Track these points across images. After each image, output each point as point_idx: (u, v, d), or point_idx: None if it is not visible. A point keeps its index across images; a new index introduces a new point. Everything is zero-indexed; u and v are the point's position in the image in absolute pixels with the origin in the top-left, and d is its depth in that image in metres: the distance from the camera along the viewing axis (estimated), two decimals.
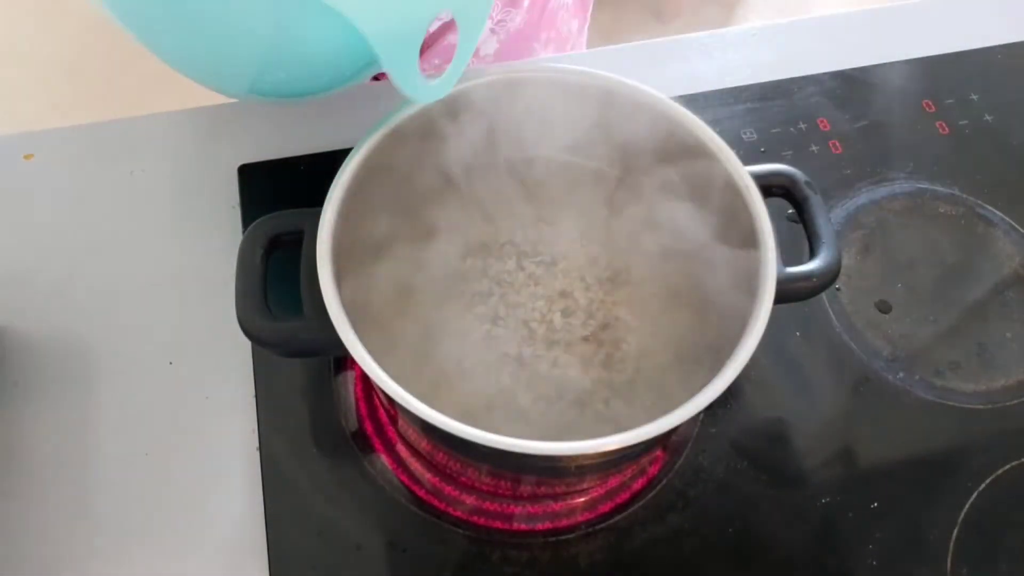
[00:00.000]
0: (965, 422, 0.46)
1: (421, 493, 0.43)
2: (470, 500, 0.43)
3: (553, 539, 0.42)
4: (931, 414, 0.46)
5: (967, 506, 0.43)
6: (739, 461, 0.44)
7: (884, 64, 0.61)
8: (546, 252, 0.43)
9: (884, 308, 0.50)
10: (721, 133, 0.40)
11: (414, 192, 0.44)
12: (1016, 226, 0.53)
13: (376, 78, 0.73)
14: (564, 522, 0.42)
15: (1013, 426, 0.46)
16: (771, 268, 0.37)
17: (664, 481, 0.43)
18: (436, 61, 0.67)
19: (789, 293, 0.38)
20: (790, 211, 0.49)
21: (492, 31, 0.66)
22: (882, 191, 0.55)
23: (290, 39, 0.39)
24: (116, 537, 0.41)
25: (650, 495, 0.43)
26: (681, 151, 0.42)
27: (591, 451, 0.33)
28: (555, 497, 0.43)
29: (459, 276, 0.43)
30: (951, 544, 0.42)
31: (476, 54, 0.66)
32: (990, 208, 0.54)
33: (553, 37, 0.70)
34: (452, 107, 0.42)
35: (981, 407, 0.47)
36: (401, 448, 0.44)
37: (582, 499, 0.43)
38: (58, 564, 0.41)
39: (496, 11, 0.65)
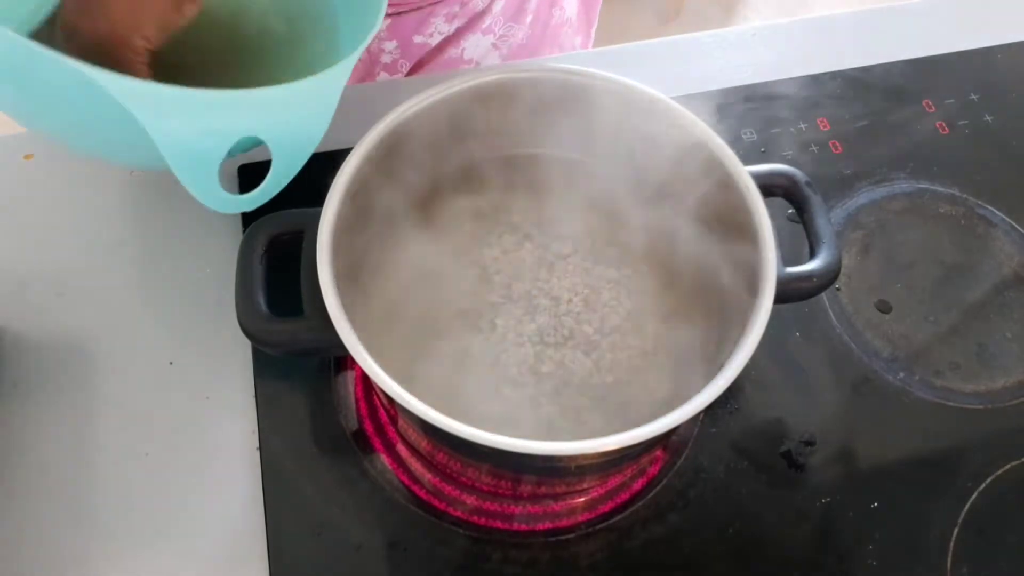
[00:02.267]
0: (965, 422, 0.46)
1: (421, 493, 0.43)
2: (470, 500, 0.43)
3: (553, 539, 0.42)
4: (931, 414, 0.46)
5: (967, 506, 0.43)
6: (739, 461, 0.44)
7: (884, 64, 0.61)
8: (546, 251, 0.43)
9: (884, 308, 0.50)
10: (721, 133, 0.40)
11: (414, 192, 0.44)
12: (1016, 226, 0.53)
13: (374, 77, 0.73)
14: (564, 522, 0.42)
15: (1013, 426, 0.46)
16: (771, 268, 0.37)
17: (664, 481, 0.43)
18: (438, 72, 0.67)
19: (789, 293, 0.38)
20: (790, 211, 0.49)
21: (494, 46, 0.66)
22: (882, 191, 0.55)
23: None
24: (116, 537, 0.41)
25: (650, 495, 0.43)
26: (681, 151, 0.42)
27: (591, 451, 0.33)
28: (555, 497, 0.43)
29: (459, 275, 0.43)
30: (951, 544, 0.42)
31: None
32: (990, 208, 0.54)
33: (556, 53, 0.70)
34: (452, 107, 0.42)
35: (981, 407, 0.47)
36: (401, 448, 0.44)
37: (582, 499, 0.43)
38: (58, 564, 0.41)
39: (499, 26, 0.65)
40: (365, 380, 0.46)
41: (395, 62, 0.66)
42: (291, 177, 0.42)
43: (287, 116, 0.39)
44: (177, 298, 0.48)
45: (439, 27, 0.63)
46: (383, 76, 0.67)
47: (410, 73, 0.67)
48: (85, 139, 0.42)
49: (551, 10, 0.68)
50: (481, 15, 0.64)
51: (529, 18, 0.66)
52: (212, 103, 0.36)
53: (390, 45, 0.64)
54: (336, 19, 0.51)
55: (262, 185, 0.40)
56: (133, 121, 0.34)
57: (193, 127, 0.37)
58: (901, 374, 0.47)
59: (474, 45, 0.65)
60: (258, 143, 0.40)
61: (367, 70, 0.67)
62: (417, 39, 0.64)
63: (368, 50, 0.64)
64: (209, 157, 0.38)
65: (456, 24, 0.64)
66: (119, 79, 0.33)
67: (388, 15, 0.61)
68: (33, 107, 0.39)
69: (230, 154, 0.40)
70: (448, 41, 0.65)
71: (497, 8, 0.64)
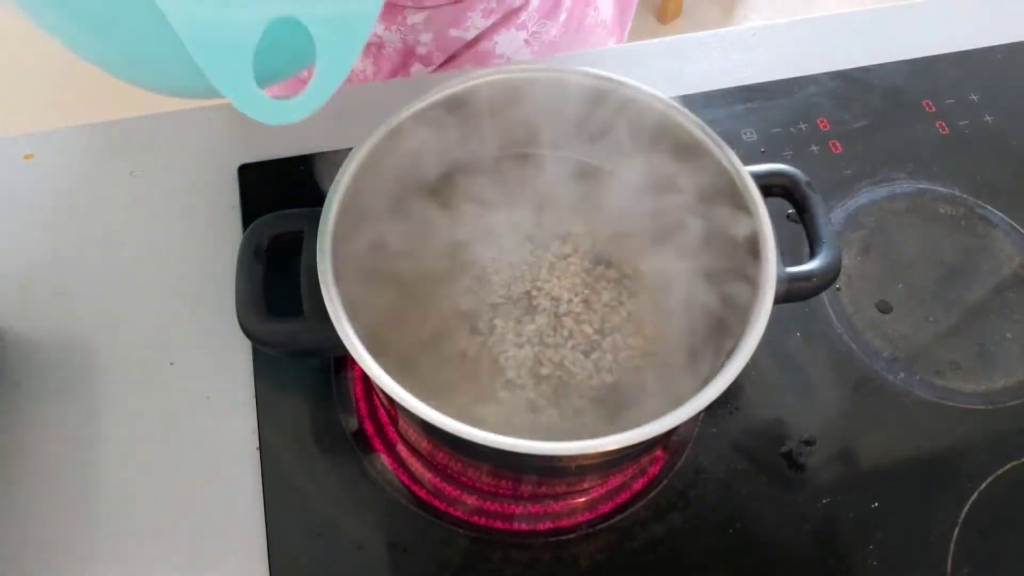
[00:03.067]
0: (965, 422, 0.46)
1: (421, 493, 0.43)
2: (471, 500, 0.43)
3: (554, 539, 0.42)
4: (931, 414, 0.46)
5: (967, 506, 0.43)
6: (739, 461, 0.44)
7: (884, 64, 0.61)
8: (546, 252, 0.43)
9: (884, 308, 0.50)
10: (721, 133, 0.40)
11: (414, 192, 0.44)
12: (1016, 226, 0.53)
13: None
14: (565, 522, 0.42)
15: (1013, 426, 0.46)
16: (771, 268, 0.37)
17: (664, 481, 0.43)
18: (468, 67, 0.67)
19: (789, 293, 0.38)
20: (790, 211, 0.49)
21: (527, 42, 0.66)
22: (882, 191, 0.55)
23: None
24: (117, 537, 0.41)
25: (650, 495, 0.43)
26: (681, 151, 0.42)
27: (591, 451, 0.33)
28: (556, 497, 0.43)
29: (460, 275, 0.43)
30: (951, 544, 0.42)
31: (508, 64, 0.67)
32: (990, 208, 0.54)
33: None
34: (453, 107, 0.42)
35: (981, 407, 0.47)
36: (401, 448, 0.44)
37: (583, 499, 0.43)
38: (58, 564, 0.41)
39: (533, 22, 0.66)
40: (365, 380, 0.46)
41: (429, 54, 0.66)
42: (343, 77, 0.35)
43: None
44: (177, 298, 0.48)
45: (476, 21, 0.64)
46: (417, 67, 0.68)
47: (443, 65, 0.68)
48: (114, 50, 0.37)
49: (585, 10, 0.68)
50: (517, 11, 0.64)
51: (563, 16, 0.66)
52: None
53: (426, 37, 0.65)
54: None
55: (307, 90, 0.34)
56: (161, 25, 0.30)
57: (216, 12, 0.31)
58: (901, 374, 0.47)
59: (507, 41, 0.66)
60: (301, 53, 0.33)
61: (402, 61, 0.67)
62: (453, 32, 0.64)
63: (404, 41, 0.65)
64: (239, 46, 0.32)
65: (492, 19, 0.64)
66: None
67: (426, 8, 0.62)
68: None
69: (268, 77, 0.34)
70: (482, 35, 0.65)
71: (533, 5, 0.65)
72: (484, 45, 0.66)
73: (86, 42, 0.37)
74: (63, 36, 0.36)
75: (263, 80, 0.33)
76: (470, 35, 0.65)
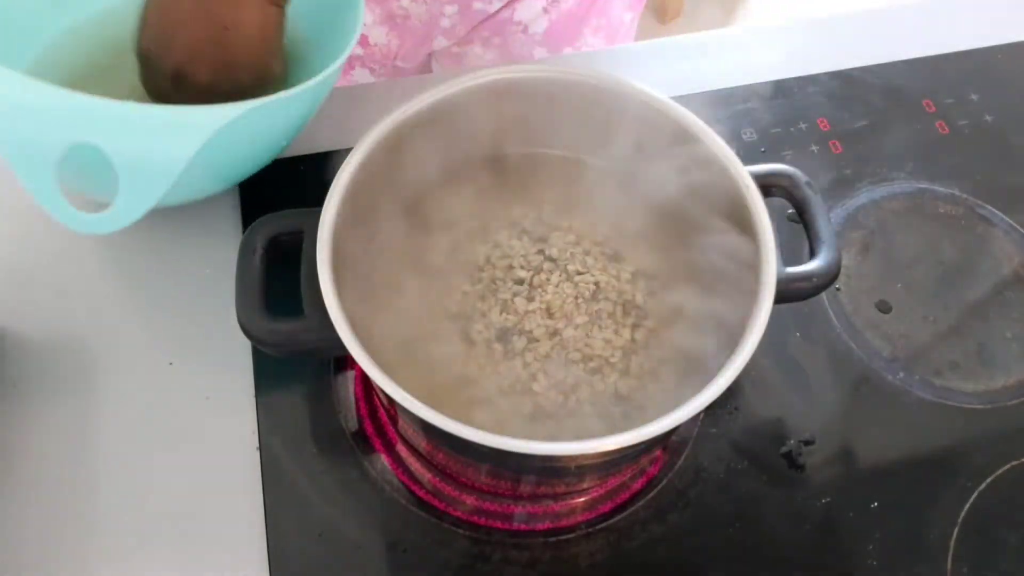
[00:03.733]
0: (965, 422, 0.46)
1: (421, 493, 0.43)
2: (470, 500, 0.43)
3: (553, 539, 0.42)
4: (931, 414, 0.46)
5: (967, 506, 0.43)
6: (739, 461, 0.44)
7: (884, 64, 0.61)
8: (546, 251, 0.43)
9: (884, 308, 0.50)
10: (721, 133, 0.40)
11: (414, 192, 0.44)
12: (1016, 226, 0.53)
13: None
14: (564, 522, 0.42)
15: (1013, 426, 0.46)
16: (771, 268, 0.37)
17: (664, 481, 0.43)
18: (486, 34, 0.68)
19: (789, 293, 0.38)
20: (790, 211, 0.49)
21: (545, 10, 0.67)
22: (882, 191, 0.55)
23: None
24: (116, 538, 0.41)
25: (650, 495, 0.43)
26: (681, 151, 0.42)
27: (591, 451, 0.33)
28: (555, 497, 0.43)
29: (460, 275, 0.43)
30: (951, 544, 0.42)
31: (525, 31, 0.68)
32: (990, 208, 0.54)
33: (603, 25, 0.71)
34: (452, 107, 0.42)
35: (981, 407, 0.47)
36: (401, 448, 0.44)
37: (582, 499, 0.43)
38: (58, 565, 0.41)
39: None
40: (365, 380, 0.46)
41: (453, 27, 0.67)
42: (147, 206, 0.39)
43: (135, 137, 0.38)
44: (177, 298, 0.48)
45: None
46: (440, 41, 0.69)
47: (464, 38, 0.68)
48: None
49: None
50: None
51: None
52: (46, 103, 0.36)
53: (451, 9, 0.65)
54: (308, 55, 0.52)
55: (111, 211, 0.39)
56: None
57: (26, 125, 0.37)
58: (901, 374, 0.47)
59: (526, 7, 0.66)
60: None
61: (426, 33, 0.68)
62: (477, 5, 0.65)
63: (429, 13, 0.66)
64: (44, 159, 0.37)
65: None
66: None
67: None
68: None
69: (89, 190, 0.40)
70: (504, 6, 0.65)
71: None
72: (504, 14, 0.66)
73: None
74: None
75: (88, 190, 0.39)
76: (494, 7, 0.65)
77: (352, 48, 0.45)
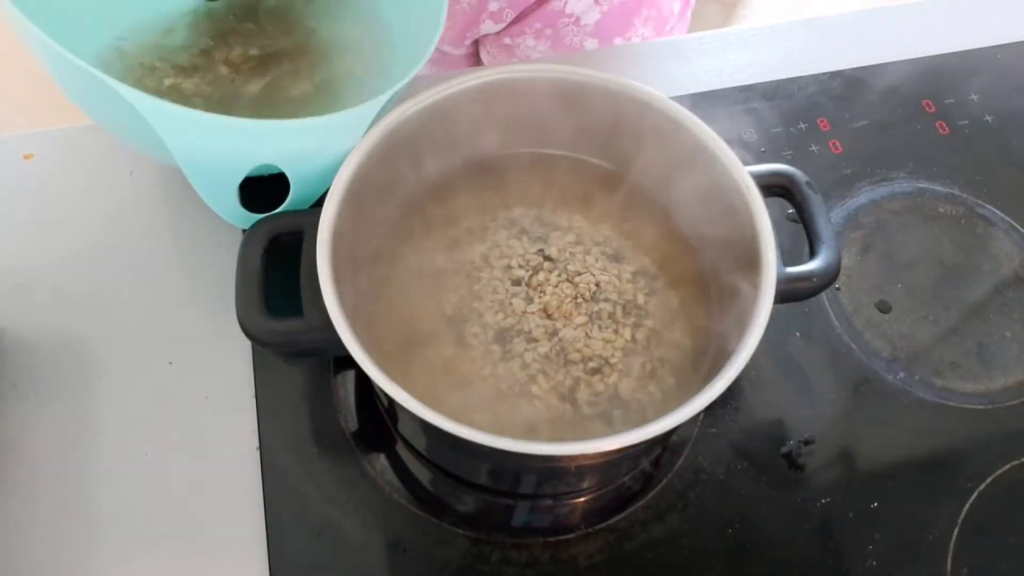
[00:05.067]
0: (965, 422, 0.46)
1: (421, 493, 0.43)
2: (470, 500, 0.43)
3: (553, 539, 0.42)
4: (931, 414, 0.46)
5: (967, 506, 0.43)
6: (739, 461, 0.44)
7: (884, 64, 0.61)
8: (546, 251, 0.43)
9: (884, 308, 0.50)
10: (721, 133, 0.41)
11: (414, 192, 0.44)
12: (1016, 226, 0.53)
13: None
14: (564, 522, 0.42)
15: (1013, 426, 0.46)
16: (771, 268, 0.37)
17: (664, 481, 0.43)
18: (537, 25, 0.68)
19: (789, 293, 0.38)
20: (790, 211, 0.49)
21: (596, 2, 0.66)
22: (882, 191, 0.55)
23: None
24: (116, 537, 0.41)
25: (650, 495, 0.43)
26: (681, 151, 0.42)
27: (591, 451, 0.33)
28: (555, 497, 0.43)
29: (460, 275, 0.43)
30: (951, 544, 0.42)
31: (577, 23, 0.68)
32: (990, 208, 0.54)
33: (653, 16, 0.70)
34: (452, 107, 0.42)
35: (981, 407, 0.47)
36: (401, 448, 0.44)
37: (582, 499, 0.43)
38: (57, 564, 0.41)
39: None
40: (365, 380, 0.46)
41: (501, 11, 0.67)
42: (309, 204, 0.43)
43: (305, 147, 0.40)
44: (177, 298, 0.48)
45: None
46: (488, 25, 0.68)
47: (513, 23, 0.68)
48: (138, 140, 0.45)
49: None
50: None
51: None
52: (229, 129, 0.38)
53: None
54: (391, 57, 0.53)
55: (281, 208, 0.42)
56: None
57: (213, 149, 0.39)
58: (901, 374, 0.47)
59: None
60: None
61: (474, 16, 0.68)
62: None
63: None
64: (229, 177, 0.40)
65: None
66: (144, 99, 0.36)
67: None
68: (96, 109, 0.43)
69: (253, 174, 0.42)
70: None
71: None
72: (554, 4, 0.66)
73: (108, 126, 0.46)
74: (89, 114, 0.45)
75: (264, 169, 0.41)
76: None
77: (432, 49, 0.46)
